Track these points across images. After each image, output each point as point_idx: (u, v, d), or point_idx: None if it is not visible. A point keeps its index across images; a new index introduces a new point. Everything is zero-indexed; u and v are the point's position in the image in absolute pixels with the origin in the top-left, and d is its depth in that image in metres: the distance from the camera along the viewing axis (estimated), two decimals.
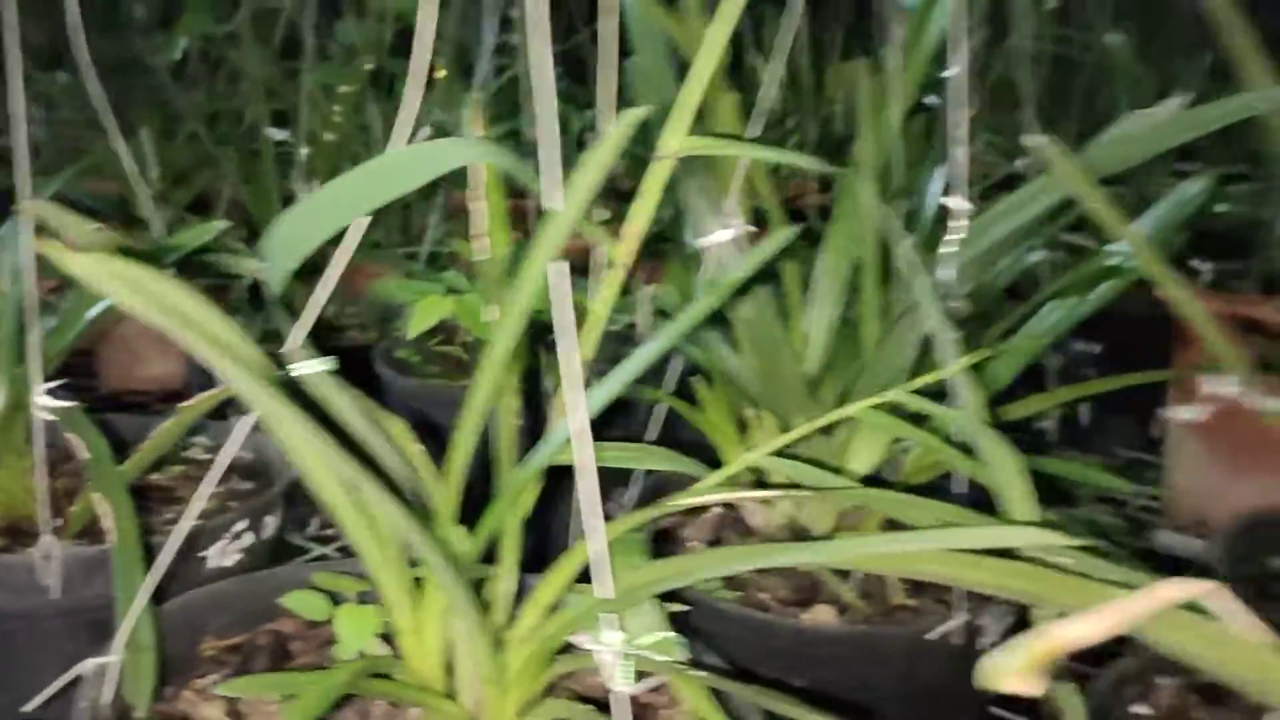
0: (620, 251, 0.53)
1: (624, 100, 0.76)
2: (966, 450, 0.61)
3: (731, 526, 0.86)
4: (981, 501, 0.57)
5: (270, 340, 0.58)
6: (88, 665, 0.56)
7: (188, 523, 0.59)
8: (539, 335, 0.61)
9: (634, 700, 0.59)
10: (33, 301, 0.71)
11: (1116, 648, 0.54)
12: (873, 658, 0.73)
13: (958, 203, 0.66)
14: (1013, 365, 0.79)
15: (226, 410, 0.79)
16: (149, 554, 0.62)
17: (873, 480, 0.81)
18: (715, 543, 0.84)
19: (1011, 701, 0.87)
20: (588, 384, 0.50)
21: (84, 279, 0.41)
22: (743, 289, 0.76)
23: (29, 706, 0.58)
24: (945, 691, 0.75)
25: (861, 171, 0.78)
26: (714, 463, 0.60)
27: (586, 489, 0.50)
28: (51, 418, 0.71)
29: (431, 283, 1.02)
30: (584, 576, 0.52)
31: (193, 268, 0.79)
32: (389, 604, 0.58)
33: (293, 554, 1.06)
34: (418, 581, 0.58)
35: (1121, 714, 0.62)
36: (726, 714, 0.52)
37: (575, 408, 0.50)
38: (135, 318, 0.44)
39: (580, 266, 0.56)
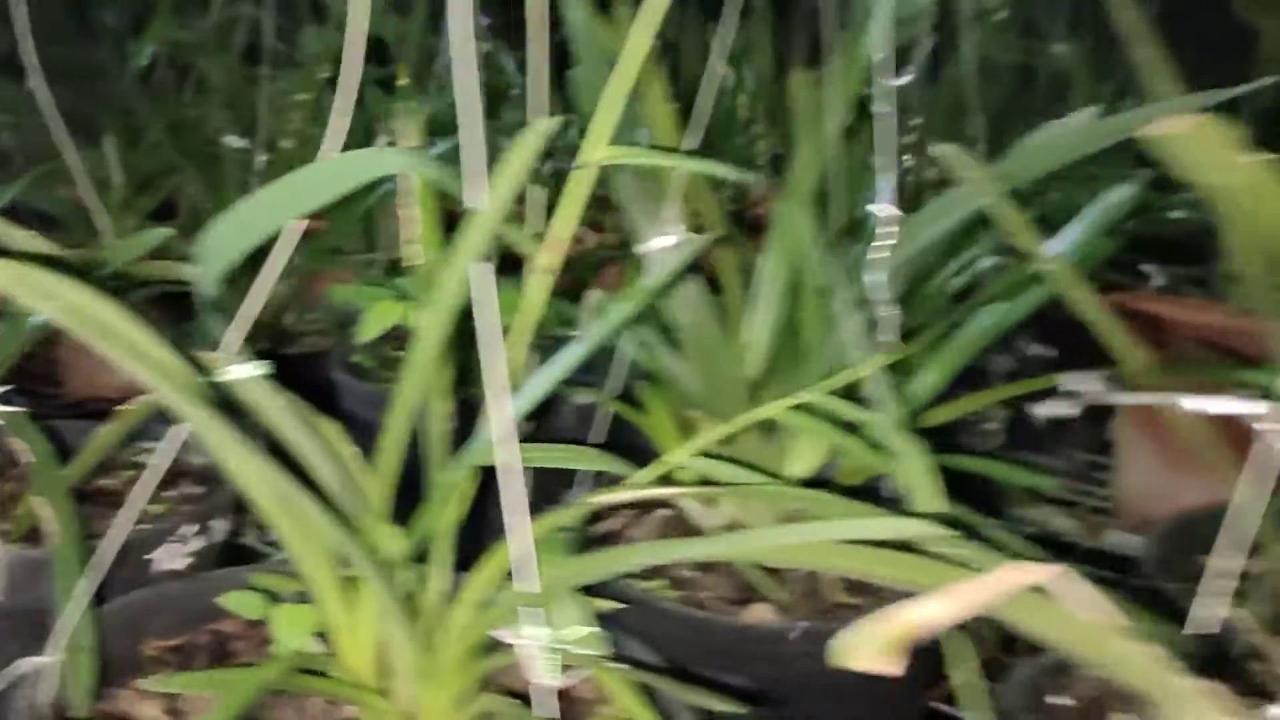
0: (544, 258, 0.54)
1: (573, 110, 0.78)
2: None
3: (676, 529, 0.87)
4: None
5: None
6: (24, 665, 0.57)
7: (126, 524, 0.60)
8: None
9: (566, 695, 0.61)
10: None
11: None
12: (810, 654, 0.74)
13: (886, 209, 0.68)
14: (945, 370, 0.80)
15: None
16: (94, 557, 0.63)
17: (812, 483, 0.82)
18: None
19: (951, 698, 0.89)
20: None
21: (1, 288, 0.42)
22: (686, 295, 0.78)
23: None
24: (884, 686, 0.76)
25: (799, 180, 0.80)
26: None
27: (510, 487, 0.51)
28: None
29: (384, 288, 1.03)
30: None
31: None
32: (323, 604, 0.59)
33: (248, 558, 1.06)
34: (351, 581, 0.59)
35: (1042, 705, 0.64)
36: (656, 709, 0.54)
37: (499, 408, 0.51)
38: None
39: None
